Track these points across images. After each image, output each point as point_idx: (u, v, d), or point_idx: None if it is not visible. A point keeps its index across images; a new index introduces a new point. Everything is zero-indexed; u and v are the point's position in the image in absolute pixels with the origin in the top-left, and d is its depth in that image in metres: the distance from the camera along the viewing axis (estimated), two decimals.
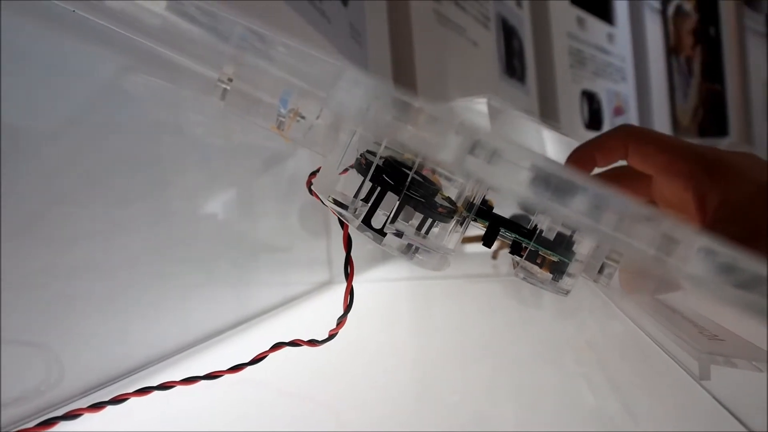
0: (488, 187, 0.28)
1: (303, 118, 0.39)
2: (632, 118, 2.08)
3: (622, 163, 0.36)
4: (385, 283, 0.73)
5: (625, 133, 0.33)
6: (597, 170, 0.37)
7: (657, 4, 2.25)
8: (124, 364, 0.35)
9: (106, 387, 0.33)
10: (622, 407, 0.35)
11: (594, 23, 1.97)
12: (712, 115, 2.33)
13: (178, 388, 0.30)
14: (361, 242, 0.29)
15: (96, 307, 0.34)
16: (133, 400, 0.29)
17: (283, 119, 0.39)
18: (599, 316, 0.56)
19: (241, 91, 0.37)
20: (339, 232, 0.30)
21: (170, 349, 0.40)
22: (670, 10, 2.29)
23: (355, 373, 0.39)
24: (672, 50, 2.27)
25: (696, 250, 0.21)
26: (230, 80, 0.37)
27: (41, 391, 0.30)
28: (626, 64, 2.12)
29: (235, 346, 0.43)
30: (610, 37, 2.05)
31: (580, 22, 1.90)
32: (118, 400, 0.28)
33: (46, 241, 0.30)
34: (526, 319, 0.58)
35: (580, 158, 0.35)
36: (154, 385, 0.29)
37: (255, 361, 0.31)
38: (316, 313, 0.56)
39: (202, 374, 0.31)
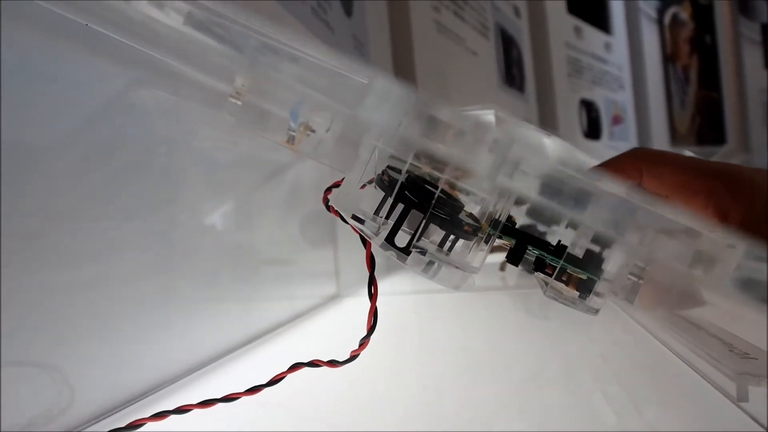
0: (517, 199, 0.27)
1: (313, 131, 0.39)
2: (630, 126, 2.09)
3: None
4: (392, 297, 0.72)
5: (636, 156, 0.33)
6: None
7: (653, 13, 2.26)
8: (136, 386, 0.34)
9: (119, 411, 0.32)
10: (644, 425, 0.34)
11: (591, 32, 1.97)
12: (709, 123, 2.34)
13: (195, 411, 0.29)
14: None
15: (103, 325, 0.33)
16: (148, 424, 0.28)
17: (293, 133, 0.38)
18: (612, 328, 0.55)
19: (252, 105, 0.37)
20: (346, 243, 0.29)
21: (181, 369, 0.39)
22: (667, 18, 2.30)
23: (361, 390, 0.38)
24: (669, 58, 2.28)
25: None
26: (240, 94, 0.36)
27: (53, 416, 0.29)
28: (623, 73, 2.12)
29: (246, 365, 0.43)
30: (608, 46, 2.06)
31: (578, 31, 1.91)
32: (134, 426, 0.27)
33: (49, 257, 0.30)
34: (537, 332, 0.57)
35: None
36: (171, 408, 0.29)
37: (273, 382, 0.31)
38: (325, 328, 0.55)
39: (219, 396, 0.30)
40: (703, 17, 2.37)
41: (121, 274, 0.35)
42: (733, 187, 0.29)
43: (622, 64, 2.12)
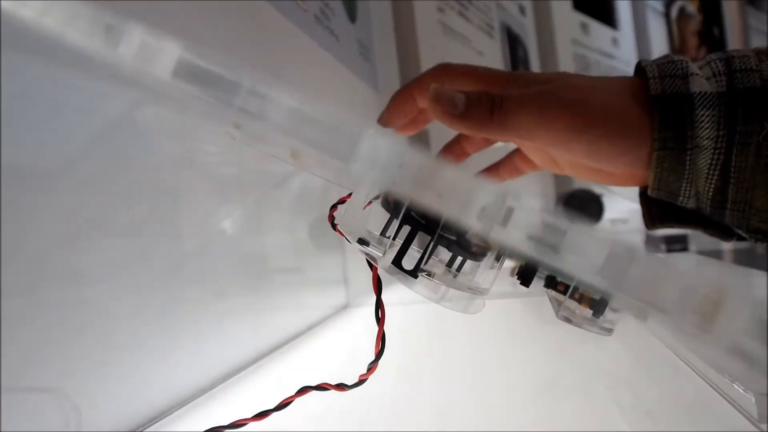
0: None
1: None
2: None
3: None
4: (399, 307, 0.71)
5: (438, 68, 0.38)
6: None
7: (660, 7, 2.24)
8: (147, 411, 0.34)
9: None
10: None
11: (598, 28, 1.95)
12: None
13: None
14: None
15: (110, 346, 0.32)
16: None
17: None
18: (626, 337, 0.54)
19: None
20: (354, 250, 0.29)
21: (194, 389, 0.38)
22: (674, 12, 2.27)
23: (370, 399, 0.37)
24: (677, 52, 2.25)
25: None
26: (238, 128, 0.35)
27: None
28: (631, 68, 2.10)
29: (261, 380, 0.42)
30: (615, 41, 2.04)
31: (584, 27, 1.89)
32: None
33: (55, 279, 0.29)
34: (550, 338, 0.56)
35: (401, 99, 0.38)
36: None
37: (281, 406, 0.30)
38: (336, 342, 0.55)
39: (226, 424, 0.29)
40: (711, 9, 2.35)
41: (126, 293, 0.34)
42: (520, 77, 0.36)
43: (629, 58, 2.10)
